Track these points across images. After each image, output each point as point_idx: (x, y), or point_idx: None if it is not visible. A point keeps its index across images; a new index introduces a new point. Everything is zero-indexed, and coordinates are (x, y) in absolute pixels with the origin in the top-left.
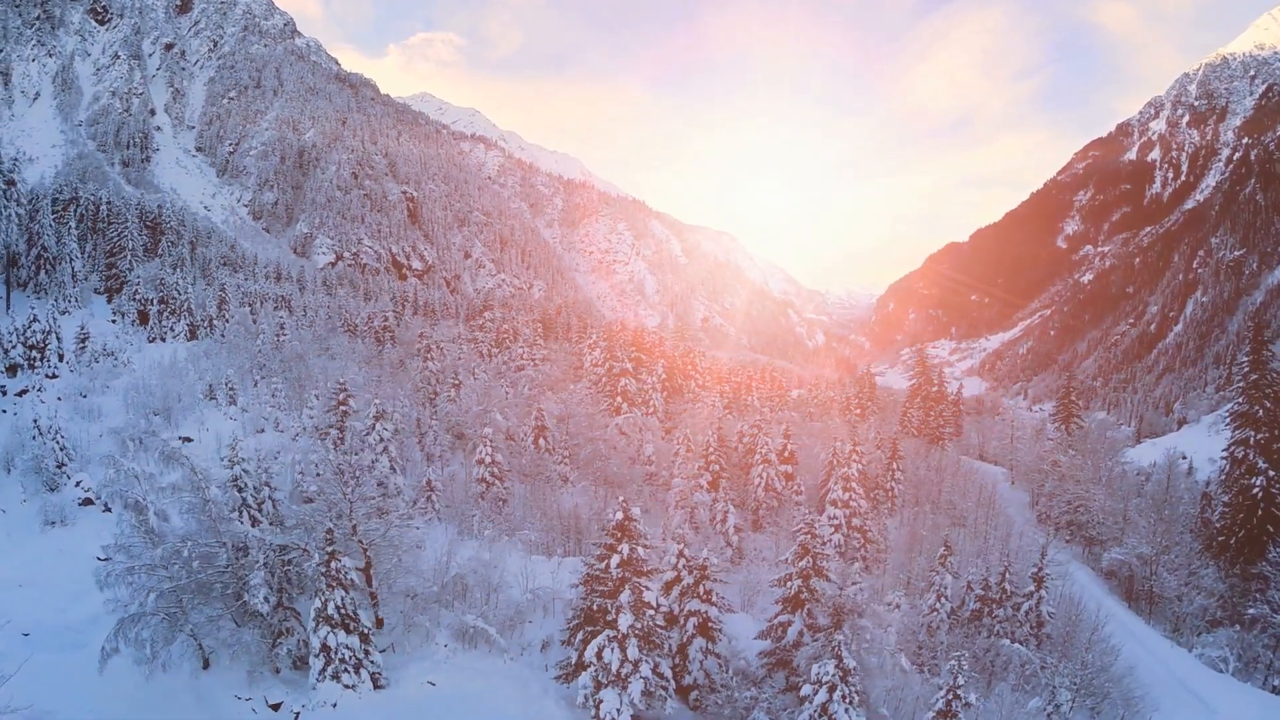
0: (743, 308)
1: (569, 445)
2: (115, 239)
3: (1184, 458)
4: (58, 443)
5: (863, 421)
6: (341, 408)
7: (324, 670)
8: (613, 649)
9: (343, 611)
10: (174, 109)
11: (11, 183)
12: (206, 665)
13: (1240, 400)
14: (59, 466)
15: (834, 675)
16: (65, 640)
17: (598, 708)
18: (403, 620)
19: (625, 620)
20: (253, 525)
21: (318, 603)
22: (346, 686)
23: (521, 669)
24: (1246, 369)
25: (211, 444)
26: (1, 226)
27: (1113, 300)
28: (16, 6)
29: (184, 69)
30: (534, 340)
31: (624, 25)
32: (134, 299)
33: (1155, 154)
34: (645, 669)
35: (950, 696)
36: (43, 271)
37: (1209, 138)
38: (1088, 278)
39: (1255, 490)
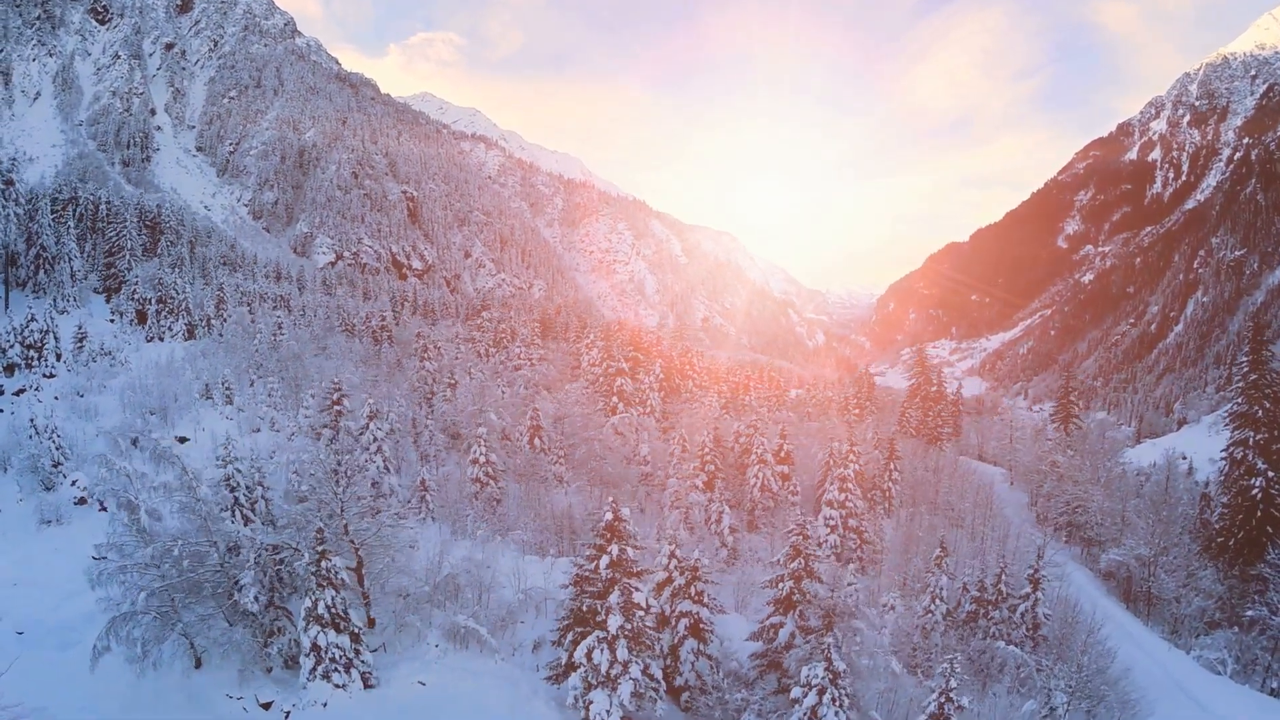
0: (743, 307)
1: (564, 445)
2: (114, 238)
3: (1184, 458)
4: (54, 442)
5: (861, 422)
6: (336, 407)
7: (314, 669)
8: (602, 650)
9: (333, 611)
10: (174, 109)
11: (10, 182)
12: (198, 664)
13: (1239, 401)
14: (55, 466)
15: (824, 678)
16: (59, 638)
17: (587, 709)
18: (394, 620)
19: (615, 621)
20: (245, 525)
21: (308, 602)
22: (337, 686)
23: (512, 669)
24: (1246, 369)
25: (207, 444)
26: (0, 226)
27: (1113, 300)
28: (17, 6)
29: (184, 69)
30: (532, 340)
31: (624, 25)
32: (132, 298)
33: (1156, 154)
34: (635, 670)
35: (943, 699)
36: (41, 271)
37: (1210, 137)
38: (1088, 278)
39: (1254, 491)
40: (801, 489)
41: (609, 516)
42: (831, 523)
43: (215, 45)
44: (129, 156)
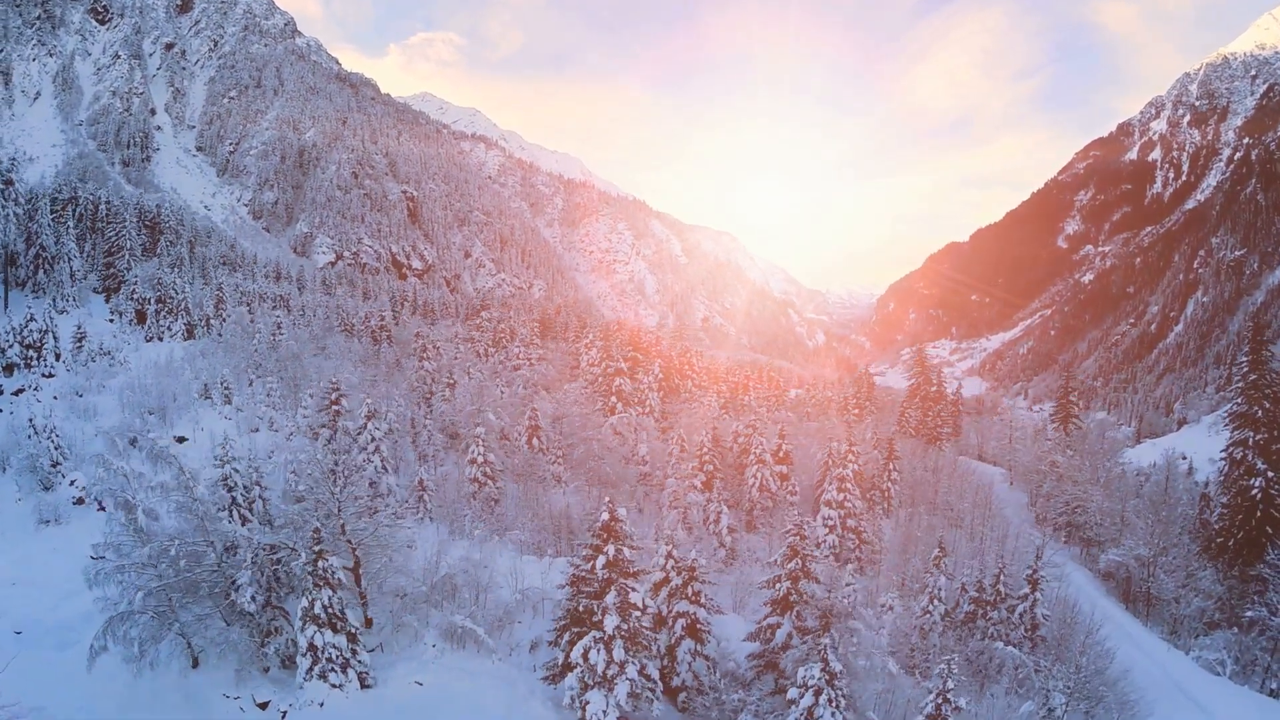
0: (743, 307)
1: (563, 445)
2: (113, 238)
3: (1184, 458)
4: (53, 442)
5: (860, 422)
6: (334, 407)
7: (311, 669)
8: (598, 650)
9: (329, 611)
10: (174, 108)
11: (10, 182)
12: (195, 663)
13: (1239, 401)
14: (54, 466)
15: (820, 679)
16: (57, 638)
17: (584, 709)
18: (392, 620)
19: (611, 621)
20: (242, 524)
21: (305, 602)
22: (333, 686)
23: (509, 669)
24: (1246, 369)
25: (206, 443)
26: (0, 226)
27: (1113, 300)
28: (17, 6)
29: (184, 69)
30: (531, 340)
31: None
32: (131, 298)
33: (1156, 154)
34: (632, 670)
35: (940, 700)
36: (41, 271)
37: (1210, 137)
38: (1088, 278)
39: (1254, 491)
40: (800, 489)
41: (606, 516)
42: (830, 523)
43: (215, 45)
44: (129, 156)
